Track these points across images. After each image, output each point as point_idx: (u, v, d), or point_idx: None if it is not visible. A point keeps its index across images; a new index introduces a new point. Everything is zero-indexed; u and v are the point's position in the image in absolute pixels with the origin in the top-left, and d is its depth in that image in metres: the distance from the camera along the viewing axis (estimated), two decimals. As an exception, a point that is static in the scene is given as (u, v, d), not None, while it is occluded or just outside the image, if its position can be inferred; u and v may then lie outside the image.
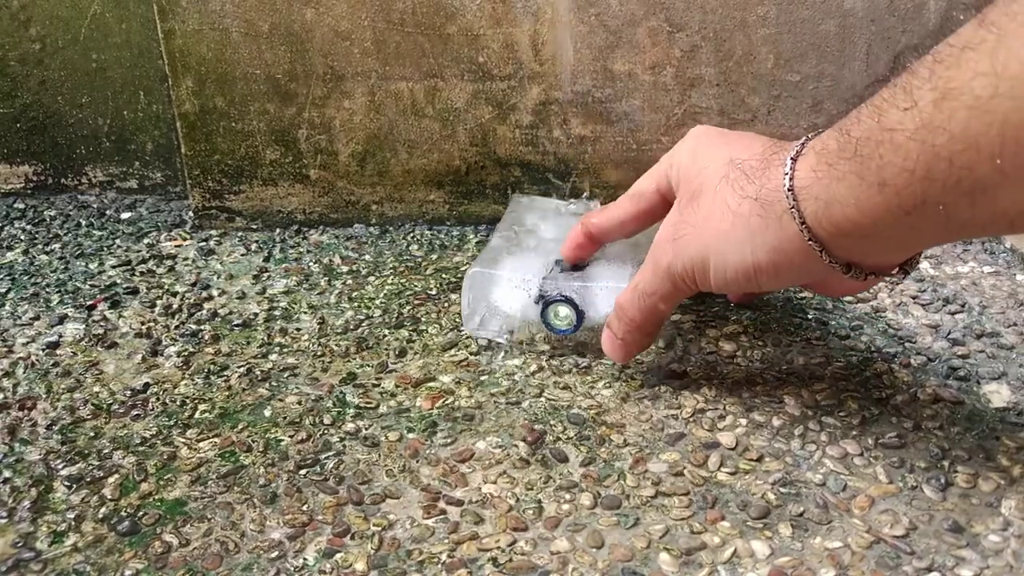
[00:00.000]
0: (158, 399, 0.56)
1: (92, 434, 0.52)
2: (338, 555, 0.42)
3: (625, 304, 0.52)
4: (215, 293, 0.70)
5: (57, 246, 0.81)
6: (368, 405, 0.54)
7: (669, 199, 0.53)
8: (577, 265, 0.59)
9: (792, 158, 0.43)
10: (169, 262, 0.77)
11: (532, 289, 0.58)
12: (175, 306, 0.68)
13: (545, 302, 0.57)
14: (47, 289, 0.72)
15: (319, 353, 0.60)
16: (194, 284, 0.72)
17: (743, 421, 0.51)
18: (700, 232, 0.48)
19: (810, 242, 0.43)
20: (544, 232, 0.66)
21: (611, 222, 0.57)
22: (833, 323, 0.62)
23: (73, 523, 0.45)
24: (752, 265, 0.45)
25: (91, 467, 0.49)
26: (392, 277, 0.72)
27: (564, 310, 0.57)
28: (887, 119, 0.37)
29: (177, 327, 0.65)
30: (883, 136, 0.37)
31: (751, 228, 0.45)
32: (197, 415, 0.54)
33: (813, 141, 0.43)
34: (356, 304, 0.68)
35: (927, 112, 0.36)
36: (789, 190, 0.43)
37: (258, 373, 0.58)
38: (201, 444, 0.51)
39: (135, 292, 0.71)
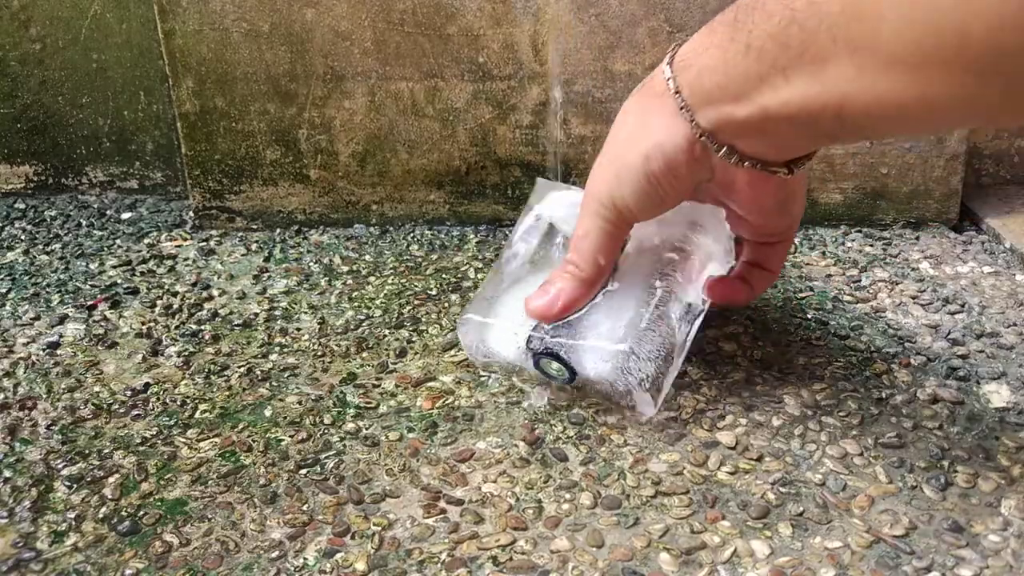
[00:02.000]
0: (158, 399, 0.56)
1: (92, 434, 0.52)
2: (338, 555, 0.42)
3: (573, 258, 0.51)
4: (215, 293, 0.70)
5: (57, 246, 0.81)
6: (368, 405, 0.54)
7: (615, 218, 0.51)
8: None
9: (677, 44, 0.46)
10: (169, 262, 0.77)
11: (521, 340, 0.53)
12: (175, 306, 0.68)
13: (534, 355, 0.52)
14: (47, 289, 0.72)
15: (319, 353, 0.61)
16: (194, 284, 0.72)
17: (743, 421, 0.51)
18: (605, 153, 0.49)
19: (682, 110, 0.44)
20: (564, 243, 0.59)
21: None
22: (833, 323, 0.62)
23: (73, 523, 0.45)
24: (645, 158, 0.46)
25: (91, 467, 0.49)
26: (392, 277, 0.72)
27: (555, 364, 0.51)
28: None
29: (177, 327, 0.65)
30: (758, 3, 0.40)
31: (638, 118, 0.47)
32: (197, 415, 0.54)
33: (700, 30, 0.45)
34: (356, 304, 0.68)
35: None
36: (668, 64, 0.45)
37: (258, 373, 0.58)
38: (201, 444, 0.51)
39: (135, 292, 0.71)
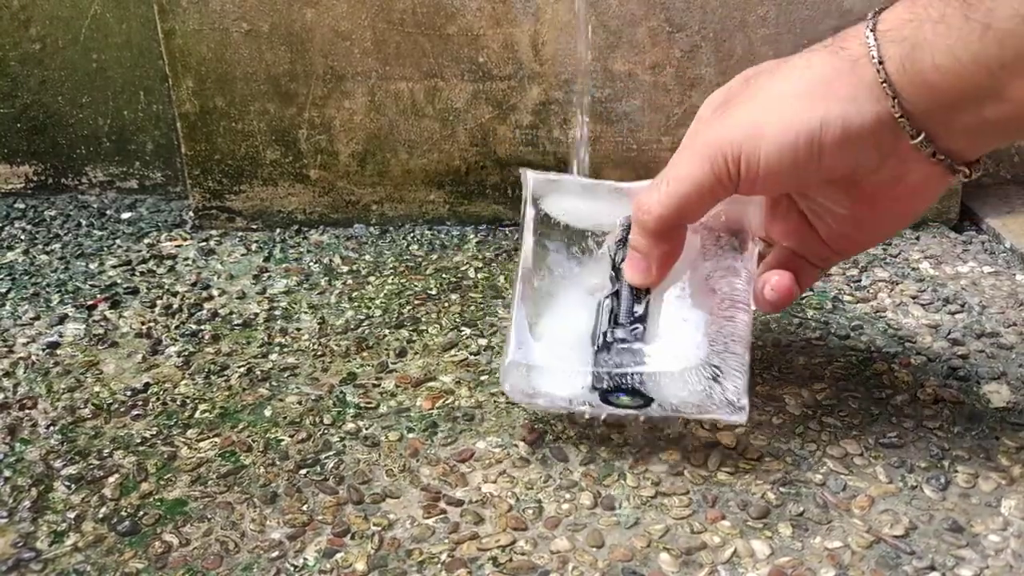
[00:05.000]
0: (158, 399, 0.56)
1: (92, 434, 0.52)
2: (338, 555, 0.42)
3: (646, 201, 0.44)
4: (215, 293, 0.70)
5: (57, 246, 0.81)
6: (368, 405, 0.54)
7: (725, 175, 0.44)
8: (639, 295, 0.47)
9: (876, 11, 0.40)
10: (169, 262, 0.77)
11: (579, 378, 0.46)
12: (175, 306, 0.68)
13: (603, 394, 0.45)
14: (47, 289, 0.72)
15: (319, 353, 0.61)
16: (194, 284, 0.72)
17: (743, 421, 0.51)
18: (754, 98, 0.42)
19: (884, 84, 0.38)
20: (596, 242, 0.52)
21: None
22: (833, 323, 0.62)
23: (73, 523, 0.45)
24: (820, 124, 0.39)
25: (91, 467, 0.49)
26: (392, 277, 0.72)
27: (627, 397, 0.45)
28: None
29: (177, 327, 0.65)
30: None
31: (821, 78, 0.40)
32: (197, 415, 0.54)
33: None
34: (356, 304, 0.68)
35: None
36: (871, 30, 0.39)
37: (258, 373, 0.58)
38: (201, 444, 0.51)
39: (135, 292, 0.71)
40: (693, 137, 0.43)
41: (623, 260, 0.47)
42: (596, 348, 0.46)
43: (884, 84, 0.38)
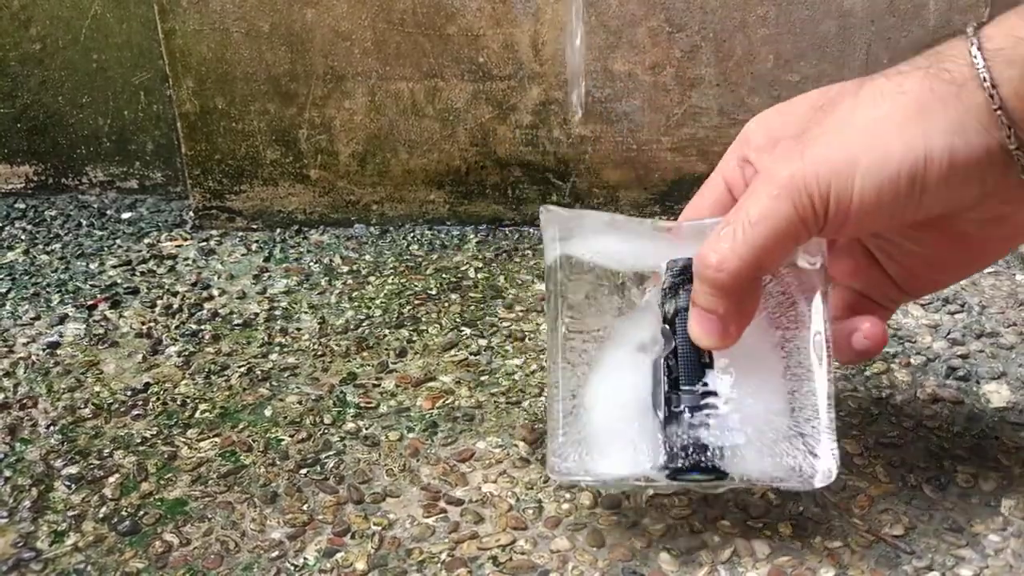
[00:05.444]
0: (158, 399, 0.56)
1: (92, 434, 0.52)
2: (338, 554, 0.42)
3: (715, 252, 0.37)
4: (215, 293, 0.70)
5: (58, 246, 0.81)
6: (368, 405, 0.54)
7: (732, 187, 0.42)
8: (702, 353, 0.40)
9: (975, 26, 0.35)
10: (169, 262, 0.77)
11: (654, 457, 0.40)
12: (175, 306, 0.68)
13: (674, 472, 0.39)
14: (48, 289, 0.72)
15: (319, 353, 0.61)
16: (194, 284, 0.72)
17: (743, 421, 0.51)
18: (839, 128, 0.37)
19: (998, 112, 0.34)
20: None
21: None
22: (833, 323, 0.62)
23: (73, 523, 0.45)
24: (924, 156, 0.35)
25: (91, 467, 0.49)
26: (392, 277, 0.72)
27: (700, 475, 0.39)
28: None
29: (177, 327, 0.65)
30: None
31: (919, 104, 0.35)
32: (197, 415, 0.54)
33: (1006, 14, 0.35)
34: (356, 304, 0.68)
35: None
36: (978, 48, 0.35)
37: (258, 373, 0.58)
38: (201, 444, 0.51)
39: (135, 292, 0.71)
40: (767, 179, 0.37)
41: (675, 313, 0.40)
42: (663, 420, 0.40)
43: (999, 112, 0.34)
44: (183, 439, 0.51)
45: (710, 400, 0.39)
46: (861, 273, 0.44)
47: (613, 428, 0.41)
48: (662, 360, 0.40)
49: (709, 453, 0.39)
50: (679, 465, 0.39)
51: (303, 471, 0.48)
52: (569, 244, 0.43)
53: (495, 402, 0.54)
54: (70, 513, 0.46)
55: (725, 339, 0.39)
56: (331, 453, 0.50)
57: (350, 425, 0.52)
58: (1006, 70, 0.34)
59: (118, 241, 0.82)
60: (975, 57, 0.35)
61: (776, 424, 0.39)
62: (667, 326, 0.41)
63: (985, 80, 0.34)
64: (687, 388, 0.40)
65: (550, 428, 0.41)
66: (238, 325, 0.65)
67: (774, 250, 0.37)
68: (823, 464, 0.39)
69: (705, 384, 0.40)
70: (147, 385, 0.57)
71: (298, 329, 0.64)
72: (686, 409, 0.39)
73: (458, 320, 0.64)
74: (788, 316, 0.41)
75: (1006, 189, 0.36)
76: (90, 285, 0.72)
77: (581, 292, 0.43)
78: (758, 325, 0.41)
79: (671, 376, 0.40)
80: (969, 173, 0.35)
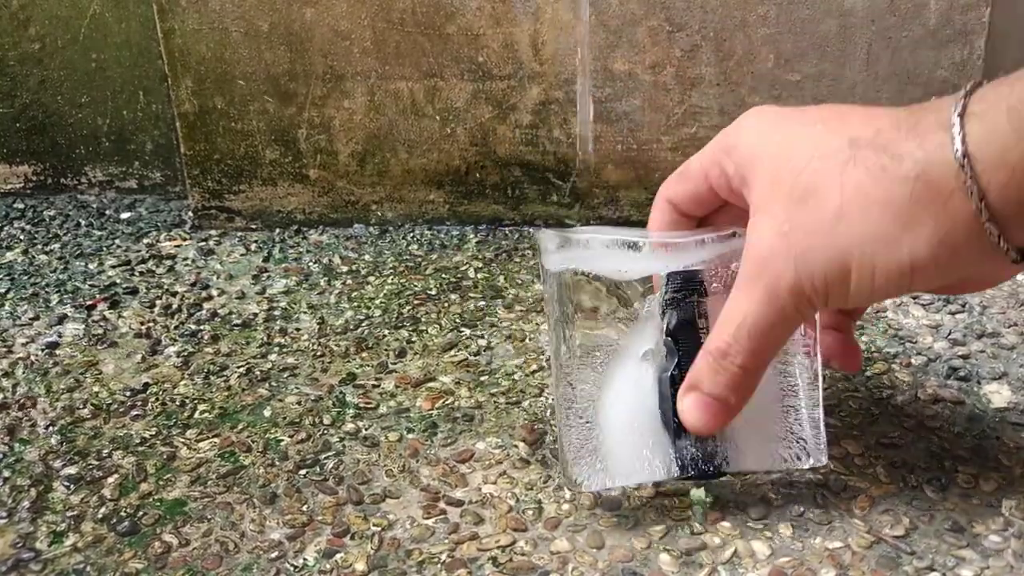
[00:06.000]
0: (158, 399, 0.56)
1: (92, 434, 0.52)
2: (338, 555, 0.42)
3: (725, 350, 0.40)
4: (215, 293, 0.70)
5: (57, 246, 0.81)
6: (368, 405, 0.54)
7: (716, 190, 0.43)
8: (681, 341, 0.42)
9: (959, 114, 0.35)
10: (169, 262, 0.76)
11: (666, 471, 0.43)
12: (174, 306, 0.68)
13: (682, 470, 0.43)
14: (47, 289, 0.72)
15: (319, 353, 0.60)
16: (194, 284, 0.72)
17: (743, 421, 0.51)
18: (832, 235, 0.37)
19: (988, 223, 0.34)
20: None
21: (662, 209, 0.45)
22: (833, 323, 0.62)
23: (73, 523, 0.45)
24: (909, 265, 0.36)
25: (91, 467, 0.49)
26: (392, 277, 0.72)
27: (705, 479, 0.44)
28: None
29: (177, 327, 0.65)
30: None
31: (906, 218, 0.36)
32: (197, 415, 0.54)
33: (987, 91, 0.35)
34: (356, 304, 0.68)
35: None
36: (963, 156, 0.34)
37: (258, 373, 0.58)
38: (201, 444, 0.51)
39: (135, 292, 0.71)
40: (772, 281, 0.38)
41: (678, 326, 0.43)
42: (673, 434, 0.42)
43: (988, 224, 0.35)
44: (182, 439, 0.51)
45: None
46: None
47: (626, 441, 0.43)
48: (667, 375, 0.42)
49: (716, 460, 0.43)
50: (690, 474, 0.43)
51: (302, 472, 0.48)
52: (566, 261, 0.44)
53: (495, 402, 0.54)
54: (69, 513, 0.45)
55: (723, 424, 0.41)
56: (330, 454, 0.50)
57: (349, 426, 0.52)
58: (996, 175, 0.34)
59: (117, 241, 0.81)
60: (962, 166, 0.34)
61: (770, 426, 0.43)
62: (669, 338, 0.43)
63: (971, 192, 0.34)
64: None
65: (564, 439, 0.43)
66: (237, 325, 0.65)
67: (779, 340, 0.40)
68: (812, 456, 0.44)
69: None
70: (146, 385, 0.57)
71: (297, 329, 0.64)
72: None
73: (458, 320, 0.64)
74: None
75: (990, 262, 0.37)
76: (89, 285, 0.72)
77: (581, 310, 0.44)
78: None
79: (676, 389, 0.42)
80: (955, 269, 0.37)
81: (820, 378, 0.44)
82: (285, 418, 0.53)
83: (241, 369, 0.59)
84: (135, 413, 0.54)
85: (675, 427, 0.42)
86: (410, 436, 0.51)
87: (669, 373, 0.42)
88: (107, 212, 0.89)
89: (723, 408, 0.41)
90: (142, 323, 0.65)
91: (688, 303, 0.43)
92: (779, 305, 0.39)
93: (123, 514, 0.45)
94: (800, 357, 0.44)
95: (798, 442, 0.44)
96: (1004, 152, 0.33)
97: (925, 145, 0.35)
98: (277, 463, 0.49)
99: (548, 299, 0.44)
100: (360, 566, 0.41)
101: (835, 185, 0.37)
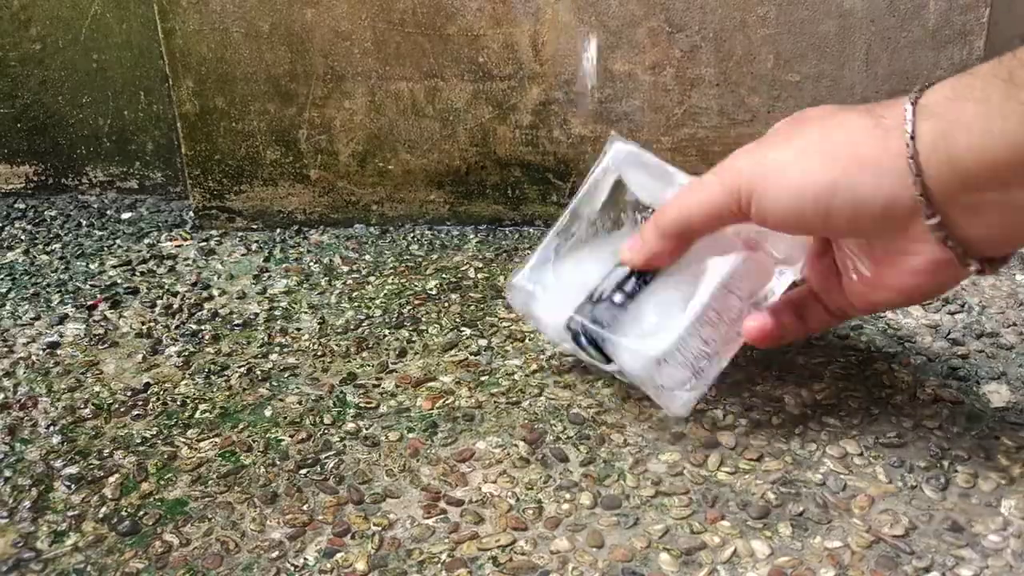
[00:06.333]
0: (158, 399, 0.56)
1: (92, 434, 0.52)
2: (338, 555, 0.42)
3: (664, 211, 0.47)
4: (215, 293, 0.70)
5: (57, 246, 0.81)
6: (368, 405, 0.54)
7: (736, 205, 0.45)
8: (644, 277, 0.50)
9: (920, 88, 0.39)
10: (169, 262, 0.77)
11: (564, 316, 0.51)
12: (175, 306, 0.68)
13: (574, 335, 0.51)
14: (47, 289, 0.72)
15: (319, 353, 0.61)
16: (194, 284, 0.72)
17: (743, 421, 0.51)
18: (788, 142, 0.43)
19: (910, 160, 0.38)
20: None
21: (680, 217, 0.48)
22: (833, 323, 0.62)
23: (73, 523, 0.45)
24: (830, 188, 0.40)
25: (91, 467, 0.49)
26: (392, 277, 0.72)
27: (592, 350, 0.50)
28: None
29: (177, 327, 0.65)
30: None
31: (849, 140, 0.40)
32: (197, 415, 0.54)
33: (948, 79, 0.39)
34: (356, 304, 0.68)
35: None
36: (912, 103, 0.38)
37: (258, 373, 0.58)
38: (201, 444, 0.51)
39: (135, 292, 0.71)
40: (732, 158, 0.45)
41: (569, 325, 0.51)
42: (585, 299, 0.50)
43: (911, 160, 0.38)
44: (183, 439, 0.51)
45: (625, 304, 0.49)
46: (822, 278, 0.49)
47: (557, 288, 0.53)
48: (618, 267, 0.51)
49: (593, 332, 0.49)
50: (574, 328, 0.50)
51: (303, 471, 0.48)
52: (623, 171, 0.54)
53: (495, 402, 0.54)
54: (70, 513, 0.46)
55: (634, 261, 0.49)
56: (331, 453, 0.50)
57: (350, 425, 0.52)
58: (926, 123, 0.38)
59: (118, 241, 0.82)
60: (906, 109, 0.38)
61: (657, 344, 0.48)
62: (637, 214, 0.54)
63: (907, 131, 0.38)
64: (621, 290, 0.50)
65: (522, 264, 0.55)
66: (238, 325, 0.65)
67: (703, 221, 0.46)
68: (681, 398, 0.49)
69: (628, 295, 0.50)
70: (147, 385, 0.57)
71: (298, 329, 0.64)
72: (604, 299, 0.50)
73: (458, 320, 0.64)
74: (747, 286, 0.50)
75: (913, 232, 0.40)
76: (90, 285, 0.72)
77: (608, 202, 0.55)
78: (702, 266, 0.49)
79: (618, 280, 0.50)
80: (873, 211, 0.40)
81: (741, 338, 0.49)
82: (286, 418, 0.53)
83: (242, 369, 0.59)
84: (136, 413, 0.54)
85: (589, 296, 0.50)
86: (410, 436, 0.51)
87: (619, 267, 0.50)
88: (108, 212, 0.89)
89: (641, 247, 0.48)
90: (143, 323, 0.66)
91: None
92: (718, 187, 0.44)
93: (124, 514, 0.45)
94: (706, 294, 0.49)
95: (670, 379, 0.48)
96: (941, 103, 0.38)
97: (890, 101, 0.40)
98: (278, 463, 0.49)
99: (595, 177, 0.54)
100: (360, 566, 0.41)
101: (814, 121, 0.43)
